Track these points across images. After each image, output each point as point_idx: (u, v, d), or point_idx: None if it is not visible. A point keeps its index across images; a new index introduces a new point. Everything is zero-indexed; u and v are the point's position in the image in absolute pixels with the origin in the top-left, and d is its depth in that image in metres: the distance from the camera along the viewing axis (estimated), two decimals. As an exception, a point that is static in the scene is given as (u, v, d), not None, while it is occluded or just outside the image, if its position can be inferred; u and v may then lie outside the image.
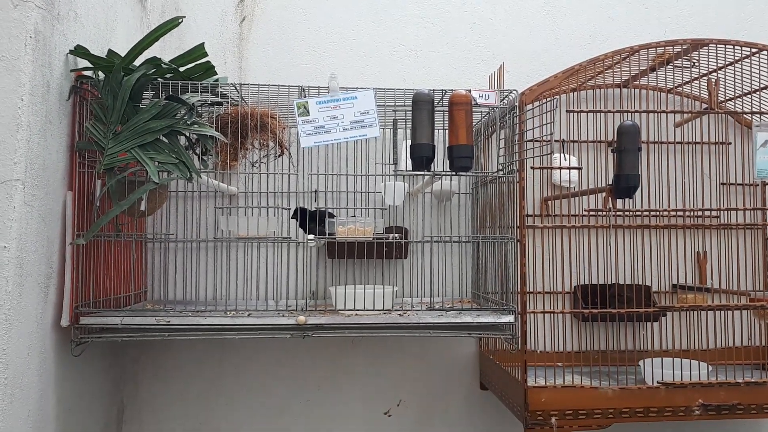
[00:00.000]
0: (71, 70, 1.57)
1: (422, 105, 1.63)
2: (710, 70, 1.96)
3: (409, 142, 1.67)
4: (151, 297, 2.07)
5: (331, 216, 1.79)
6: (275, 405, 2.14)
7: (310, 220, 1.77)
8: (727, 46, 1.81)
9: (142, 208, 1.62)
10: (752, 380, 1.73)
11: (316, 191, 1.88)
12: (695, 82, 2.10)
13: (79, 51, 1.56)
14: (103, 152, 1.54)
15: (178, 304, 1.96)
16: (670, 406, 1.71)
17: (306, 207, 1.80)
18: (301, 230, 1.84)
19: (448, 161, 1.66)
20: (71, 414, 1.65)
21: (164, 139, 1.57)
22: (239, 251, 2.04)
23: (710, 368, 1.80)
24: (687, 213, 1.98)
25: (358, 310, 1.71)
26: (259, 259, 2.02)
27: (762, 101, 2.04)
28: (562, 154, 2.06)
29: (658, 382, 1.73)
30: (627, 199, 1.81)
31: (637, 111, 1.88)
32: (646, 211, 1.98)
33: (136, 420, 2.10)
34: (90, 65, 1.59)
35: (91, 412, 1.82)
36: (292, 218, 1.82)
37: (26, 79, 1.37)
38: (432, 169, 1.68)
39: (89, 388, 1.80)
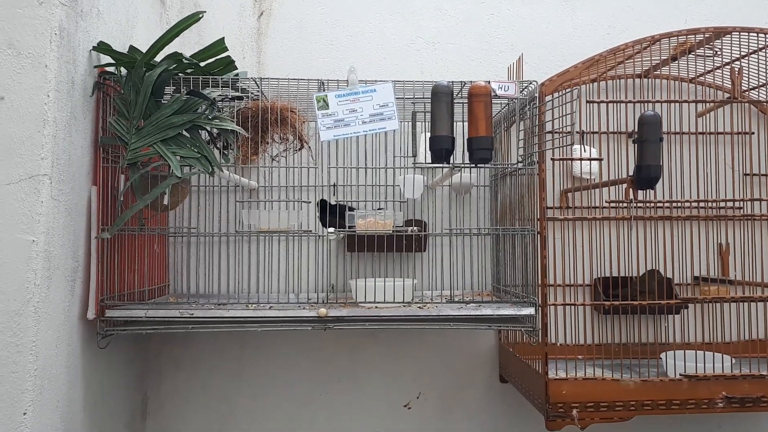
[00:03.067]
0: (94, 66, 1.60)
1: (441, 97, 1.63)
2: (733, 58, 1.93)
3: (428, 134, 1.67)
4: (173, 290, 2.10)
5: (351, 209, 1.79)
6: (296, 397, 2.16)
7: (330, 213, 1.78)
8: (750, 34, 1.78)
9: (165, 202, 1.64)
10: (777, 372, 1.71)
11: (335, 185, 1.89)
12: (717, 71, 2.06)
13: (102, 47, 1.58)
14: (126, 147, 1.57)
15: (200, 297, 1.98)
16: (692, 398, 1.70)
17: (327, 199, 1.81)
18: (320, 223, 1.85)
19: (467, 153, 1.66)
20: (98, 404, 1.68)
21: (186, 133, 1.59)
22: (260, 245, 2.05)
23: (733, 361, 1.78)
24: (709, 204, 1.96)
25: (378, 302, 1.71)
26: (279, 252, 2.04)
27: (786, 90, 2.01)
28: (582, 145, 2.04)
29: (680, 375, 1.71)
30: (648, 190, 1.79)
31: (658, 101, 1.86)
32: (667, 202, 1.96)
33: (159, 411, 2.13)
34: (112, 61, 1.61)
35: (117, 403, 1.85)
36: (318, 206, 1.83)
37: (52, 75, 1.39)
38: (451, 162, 1.68)
39: (114, 380, 1.83)
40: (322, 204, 1.85)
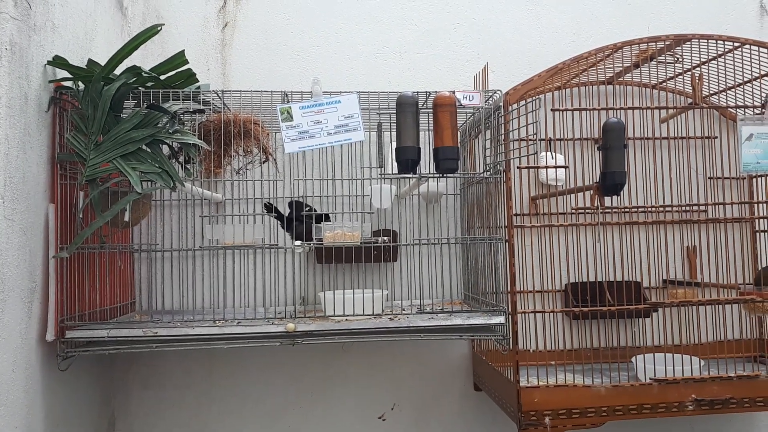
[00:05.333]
0: (50, 81, 1.56)
1: (406, 108, 1.62)
2: (694, 65, 1.97)
3: (394, 145, 1.66)
4: (139, 308, 2.05)
5: (327, 218, 1.77)
6: (268, 413, 2.13)
7: (297, 224, 1.76)
8: (710, 41, 1.81)
9: (126, 218, 1.60)
10: (744, 374, 1.73)
11: (302, 197, 1.86)
12: (679, 77, 2.10)
13: (58, 61, 1.55)
14: (84, 163, 1.53)
15: (167, 314, 1.94)
16: (663, 402, 1.71)
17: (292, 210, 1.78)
18: (287, 236, 1.82)
19: (434, 163, 1.65)
20: (60, 428, 1.63)
21: (146, 148, 1.55)
22: (228, 259, 2.02)
23: (702, 363, 1.80)
24: (675, 208, 1.98)
25: (348, 315, 1.69)
26: (248, 266, 2.01)
27: (746, 95, 2.04)
28: (548, 153, 2.06)
29: (650, 379, 1.72)
30: (615, 196, 1.80)
31: (622, 108, 1.88)
32: (634, 207, 1.98)
33: (127, 432, 2.08)
34: (69, 75, 1.58)
35: (82, 426, 1.79)
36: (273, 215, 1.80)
37: (3, 91, 1.35)
38: (418, 172, 1.67)
39: (78, 402, 1.78)
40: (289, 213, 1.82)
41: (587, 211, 1.93)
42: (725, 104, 2.14)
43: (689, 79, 2.02)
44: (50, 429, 1.57)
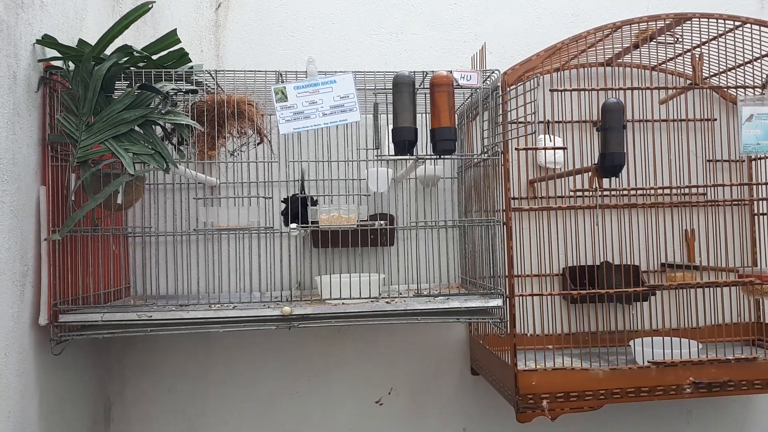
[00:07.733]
0: (39, 61, 1.52)
1: (403, 87, 1.59)
2: (694, 45, 1.94)
3: (391, 126, 1.63)
4: (134, 293, 2.03)
5: (314, 203, 1.75)
6: (265, 397, 2.12)
7: (292, 208, 1.74)
8: (710, 20, 1.79)
9: (119, 201, 1.58)
10: (742, 357, 1.72)
11: (301, 180, 1.84)
12: (679, 58, 2.07)
13: (47, 40, 1.51)
14: (76, 145, 1.50)
15: (162, 298, 1.93)
16: (661, 385, 1.70)
17: (289, 195, 1.76)
18: (282, 219, 1.80)
19: (431, 144, 1.63)
20: (55, 413, 1.62)
21: (139, 129, 1.52)
22: (223, 243, 2.00)
23: (700, 346, 1.80)
24: (674, 190, 1.97)
25: (345, 298, 1.68)
26: (243, 250, 1.99)
27: (746, 75, 2.02)
28: (546, 135, 2.03)
29: (648, 362, 1.72)
30: (613, 178, 1.79)
31: (621, 88, 1.85)
32: (632, 189, 1.97)
33: (123, 417, 2.07)
34: (59, 55, 1.54)
35: (77, 411, 1.78)
36: (282, 203, 1.78)
37: (-10, 70, 1.32)
38: (415, 153, 1.65)
39: (73, 387, 1.76)
40: (292, 200, 1.80)
41: (586, 193, 1.91)
42: (725, 85, 2.11)
43: (689, 60, 2.00)
44: (45, 414, 1.56)
